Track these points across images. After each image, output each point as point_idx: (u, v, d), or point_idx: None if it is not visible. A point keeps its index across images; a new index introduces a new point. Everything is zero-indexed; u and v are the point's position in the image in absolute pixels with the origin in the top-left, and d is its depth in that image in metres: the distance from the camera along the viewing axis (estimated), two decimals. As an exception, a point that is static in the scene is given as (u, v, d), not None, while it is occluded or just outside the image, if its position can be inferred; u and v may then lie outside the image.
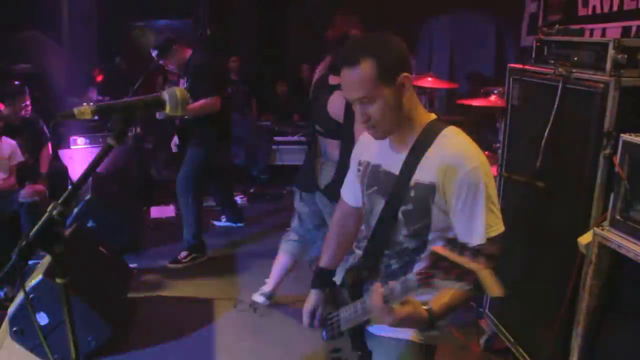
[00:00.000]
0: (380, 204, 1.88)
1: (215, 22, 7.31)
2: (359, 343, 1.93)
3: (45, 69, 6.96)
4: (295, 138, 7.49)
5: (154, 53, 4.69)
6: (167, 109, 1.37)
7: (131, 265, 4.54)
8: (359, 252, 2.03)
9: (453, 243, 1.34)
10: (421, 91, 5.19)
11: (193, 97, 4.43)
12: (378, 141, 1.87)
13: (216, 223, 5.96)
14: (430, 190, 1.75)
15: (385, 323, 1.58)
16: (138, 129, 6.40)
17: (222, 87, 4.89)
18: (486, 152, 4.54)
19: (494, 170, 3.78)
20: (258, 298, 4.09)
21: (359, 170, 2.01)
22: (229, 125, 5.06)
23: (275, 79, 8.61)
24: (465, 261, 1.31)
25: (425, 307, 1.62)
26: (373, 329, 1.94)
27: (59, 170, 5.64)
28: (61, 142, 6.35)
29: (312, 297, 2.10)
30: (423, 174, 1.76)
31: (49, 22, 8.04)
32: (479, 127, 5.05)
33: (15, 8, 7.30)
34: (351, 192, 2.11)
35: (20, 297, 3.47)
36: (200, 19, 6.98)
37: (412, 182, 1.78)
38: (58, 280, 1.38)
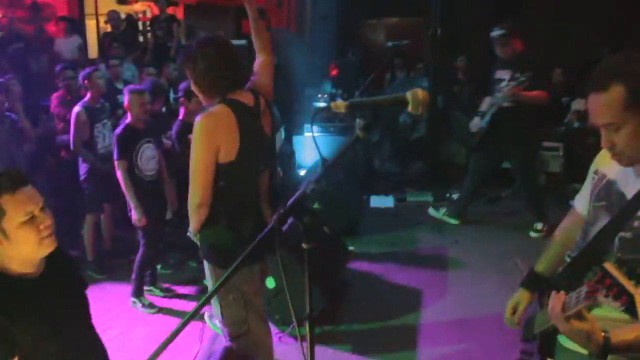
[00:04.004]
0: (603, 221, 1.80)
1: (446, 22, 7.39)
2: (546, 349, 1.88)
3: (290, 62, 7.71)
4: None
5: (498, 32, 5.07)
6: (410, 108, 1.54)
7: (349, 248, 4.88)
8: (567, 260, 1.96)
9: (624, 263, 1.32)
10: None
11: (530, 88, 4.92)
12: None
13: (431, 212, 6.12)
14: None
15: (560, 329, 1.56)
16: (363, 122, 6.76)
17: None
18: None
19: None
20: None
21: (593, 178, 1.93)
22: None
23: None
24: (626, 282, 1.29)
25: (603, 334, 1.52)
26: (561, 337, 1.86)
27: (286, 153, 6.27)
28: (294, 128, 7.02)
29: (517, 295, 2.08)
30: None
31: (296, 22, 8.92)
32: None
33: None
34: (585, 200, 2.01)
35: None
36: (432, 18, 7.10)
37: (639, 213, 1.67)
38: (304, 246, 1.65)
